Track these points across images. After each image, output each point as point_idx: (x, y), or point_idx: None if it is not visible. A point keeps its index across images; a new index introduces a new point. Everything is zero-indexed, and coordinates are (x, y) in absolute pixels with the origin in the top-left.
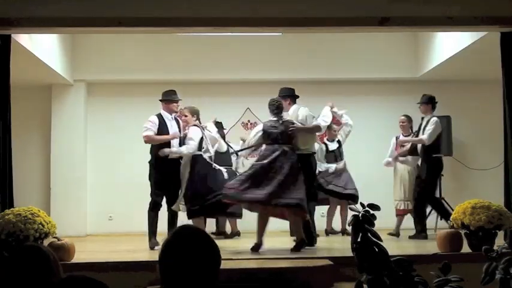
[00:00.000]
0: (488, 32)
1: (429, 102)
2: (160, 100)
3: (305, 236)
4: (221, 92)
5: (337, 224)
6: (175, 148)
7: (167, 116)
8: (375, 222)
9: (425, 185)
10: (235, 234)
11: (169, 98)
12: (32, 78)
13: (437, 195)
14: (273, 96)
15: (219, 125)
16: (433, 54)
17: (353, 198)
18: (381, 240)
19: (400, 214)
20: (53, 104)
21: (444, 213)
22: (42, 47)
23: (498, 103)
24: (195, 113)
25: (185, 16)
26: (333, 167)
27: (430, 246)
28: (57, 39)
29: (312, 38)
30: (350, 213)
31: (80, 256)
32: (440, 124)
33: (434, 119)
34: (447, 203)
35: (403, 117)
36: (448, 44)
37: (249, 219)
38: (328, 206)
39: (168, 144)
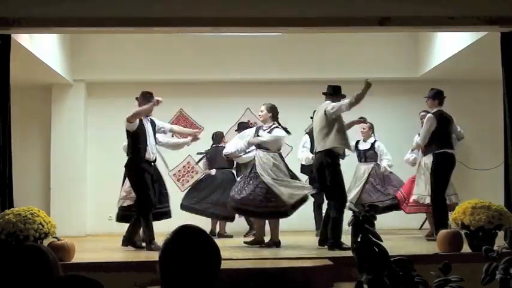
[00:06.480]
0: (488, 32)
1: (434, 97)
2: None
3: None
4: (221, 92)
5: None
6: None
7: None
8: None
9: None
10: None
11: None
12: (32, 78)
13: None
14: (273, 96)
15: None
16: (433, 54)
17: None
18: (381, 240)
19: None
20: (53, 104)
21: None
22: (42, 47)
23: (498, 103)
24: None
25: (185, 16)
26: None
27: (430, 246)
28: (57, 39)
29: (312, 38)
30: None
31: (80, 256)
32: (435, 118)
33: (428, 116)
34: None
35: None
36: (448, 44)
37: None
38: None
39: (145, 146)
